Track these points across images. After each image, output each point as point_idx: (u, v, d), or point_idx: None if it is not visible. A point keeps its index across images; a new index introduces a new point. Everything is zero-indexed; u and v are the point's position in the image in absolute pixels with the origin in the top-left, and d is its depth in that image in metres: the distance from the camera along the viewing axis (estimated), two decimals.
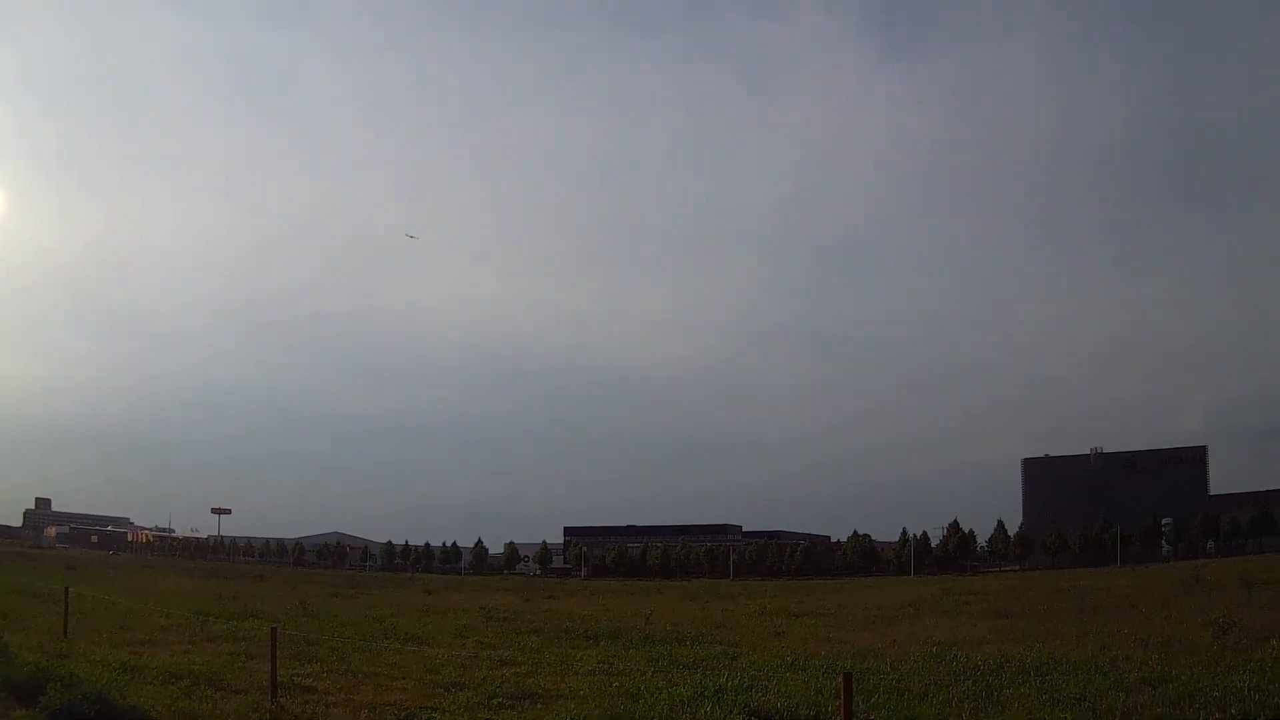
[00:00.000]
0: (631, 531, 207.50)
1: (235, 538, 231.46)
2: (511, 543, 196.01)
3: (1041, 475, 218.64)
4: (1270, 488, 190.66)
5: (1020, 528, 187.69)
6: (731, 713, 17.68)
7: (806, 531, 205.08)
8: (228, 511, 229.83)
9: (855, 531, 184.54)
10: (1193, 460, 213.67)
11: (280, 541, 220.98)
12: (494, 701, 19.36)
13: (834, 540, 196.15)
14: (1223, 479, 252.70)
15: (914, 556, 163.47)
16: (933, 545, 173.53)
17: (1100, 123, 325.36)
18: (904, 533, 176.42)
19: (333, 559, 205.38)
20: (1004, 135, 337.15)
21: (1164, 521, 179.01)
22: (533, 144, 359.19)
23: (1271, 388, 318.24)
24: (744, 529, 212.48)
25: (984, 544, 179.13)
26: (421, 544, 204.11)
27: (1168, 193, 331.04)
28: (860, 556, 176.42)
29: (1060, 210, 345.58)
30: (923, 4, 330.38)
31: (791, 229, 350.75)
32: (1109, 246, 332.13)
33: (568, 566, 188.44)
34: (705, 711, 17.92)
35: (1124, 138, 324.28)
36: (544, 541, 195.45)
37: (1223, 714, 15.42)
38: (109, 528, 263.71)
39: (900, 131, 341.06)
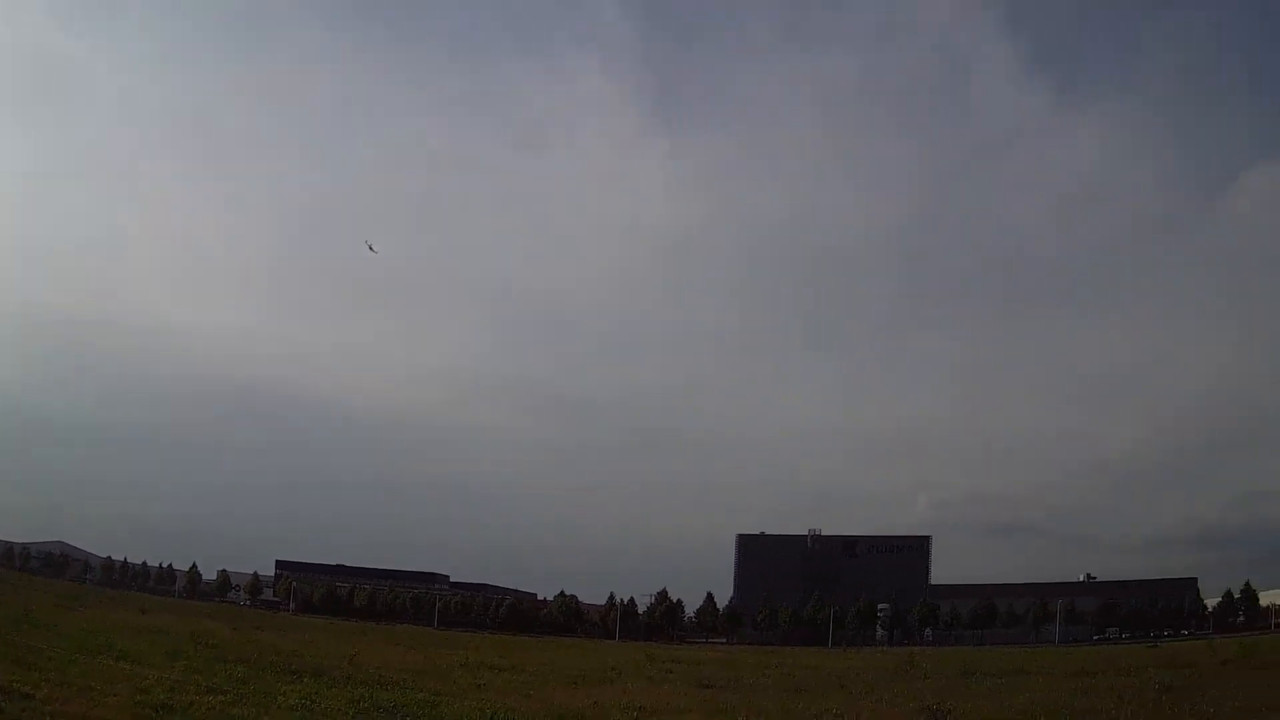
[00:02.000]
0: (341, 571, 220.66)
1: None
2: (224, 570, 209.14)
3: (756, 551, 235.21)
4: (990, 580, 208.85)
5: (730, 601, 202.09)
6: None
7: (513, 587, 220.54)
8: None
9: (562, 591, 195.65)
10: (915, 549, 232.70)
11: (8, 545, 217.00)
12: None
13: (540, 598, 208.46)
14: (944, 569, 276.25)
15: (619, 621, 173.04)
16: (639, 611, 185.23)
17: (865, 219, 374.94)
18: (611, 596, 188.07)
19: (55, 568, 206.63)
20: (753, 222, 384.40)
21: (880, 607, 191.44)
22: (283, 176, 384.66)
23: (996, 483, 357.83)
24: (452, 579, 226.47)
25: (692, 615, 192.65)
26: (139, 562, 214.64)
27: (910, 291, 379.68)
28: (566, 616, 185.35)
29: (803, 297, 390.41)
30: (700, 79, 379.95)
31: (529, 287, 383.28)
32: (854, 338, 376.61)
33: (277, 600, 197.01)
34: None
35: (877, 235, 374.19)
36: (255, 572, 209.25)
37: None
38: None
39: (650, 204, 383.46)
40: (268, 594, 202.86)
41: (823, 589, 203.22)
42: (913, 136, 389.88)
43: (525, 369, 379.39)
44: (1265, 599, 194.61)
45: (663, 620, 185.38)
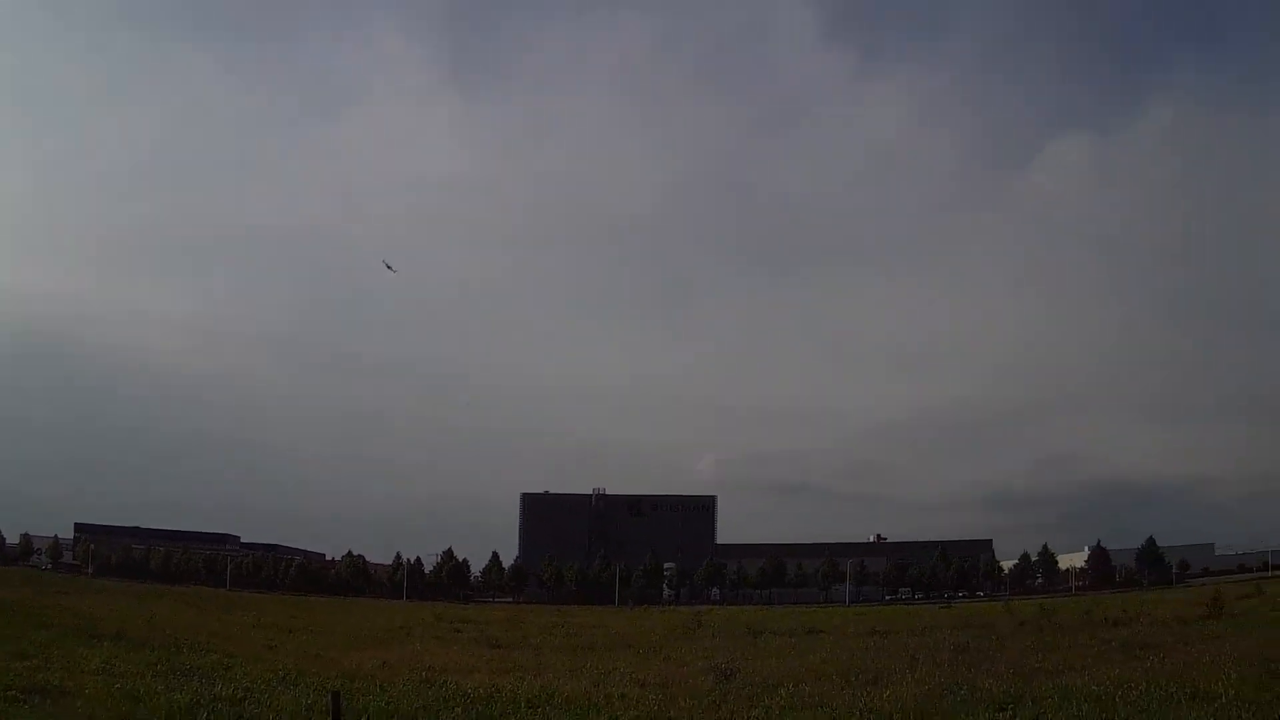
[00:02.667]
0: (138, 533, 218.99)
1: None
2: (26, 534, 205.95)
3: (541, 510, 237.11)
4: (779, 540, 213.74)
5: (516, 560, 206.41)
6: None
7: (303, 548, 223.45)
8: None
9: (350, 551, 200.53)
10: (701, 508, 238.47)
11: None
12: (9, 694, 21.60)
13: (329, 558, 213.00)
14: (731, 529, 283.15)
15: (407, 580, 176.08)
16: (426, 571, 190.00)
17: (658, 180, 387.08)
18: (398, 556, 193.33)
19: None
20: (543, 180, 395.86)
21: (666, 566, 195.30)
22: (87, 138, 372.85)
23: (783, 443, 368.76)
24: (243, 540, 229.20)
25: (479, 574, 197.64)
26: None
27: (700, 251, 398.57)
28: (354, 576, 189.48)
29: (600, 260, 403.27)
30: (499, 39, 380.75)
31: (321, 246, 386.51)
32: (642, 297, 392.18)
33: (77, 563, 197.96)
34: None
35: (669, 196, 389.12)
36: (55, 536, 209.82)
37: None
38: None
39: (443, 162, 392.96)
40: (68, 557, 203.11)
41: (609, 548, 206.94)
42: (709, 100, 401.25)
43: (314, 328, 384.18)
44: (1064, 561, 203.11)
45: (449, 579, 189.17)
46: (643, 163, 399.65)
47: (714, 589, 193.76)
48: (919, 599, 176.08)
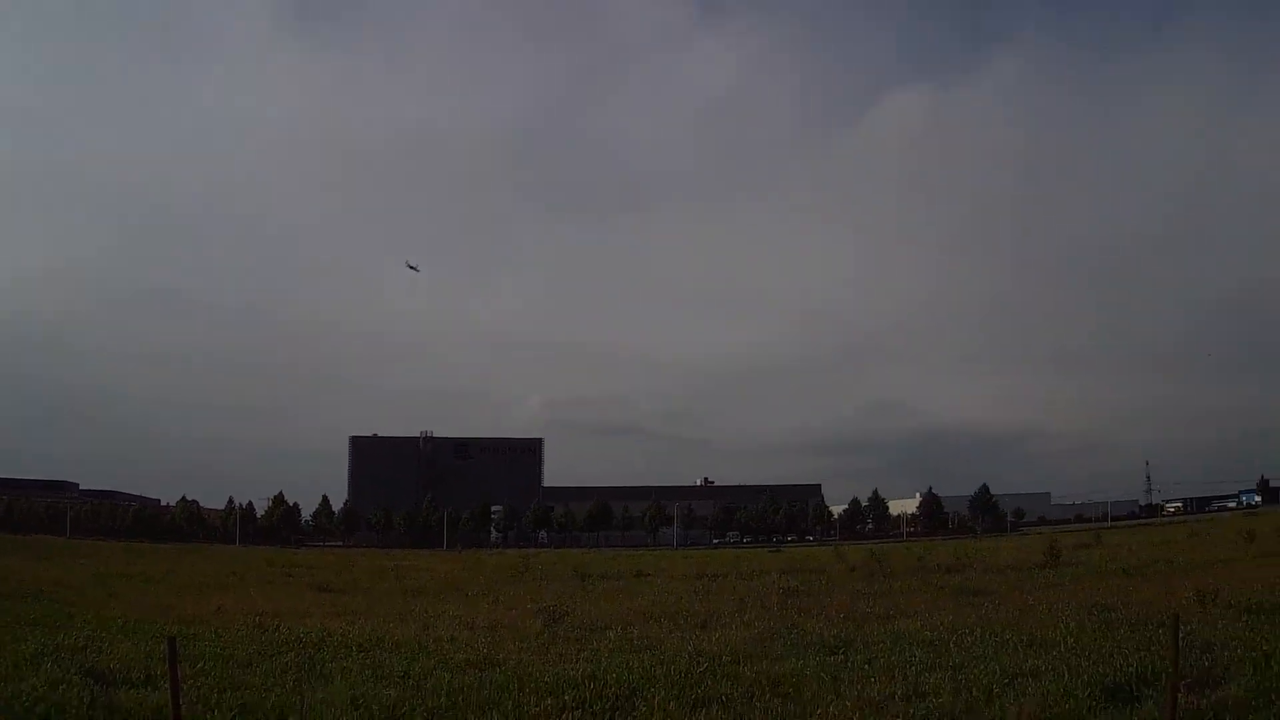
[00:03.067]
0: None
1: None
2: None
3: (369, 454, 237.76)
4: (606, 483, 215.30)
5: (346, 504, 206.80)
6: (69, 673, 19.62)
7: (139, 494, 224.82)
8: None
9: (184, 496, 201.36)
10: (528, 450, 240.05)
11: None
12: None
13: (164, 504, 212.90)
14: (559, 471, 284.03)
15: (239, 526, 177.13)
16: (258, 516, 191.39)
17: (488, 126, 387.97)
18: (230, 501, 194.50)
19: None
20: (382, 125, 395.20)
21: (494, 509, 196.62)
22: None
23: (611, 386, 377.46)
24: (81, 487, 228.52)
25: (309, 518, 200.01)
26: None
27: (528, 195, 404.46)
28: (188, 521, 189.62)
29: (429, 204, 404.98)
30: None
31: (157, 191, 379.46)
32: (469, 239, 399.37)
33: None
34: (46, 669, 20.14)
35: (496, 139, 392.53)
36: None
37: (555, 700, 16.72)
38: None
39: (273, 103, 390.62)
40: None
41: (437, 491, 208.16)
42: (540, 44, 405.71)
43: (148, 273, 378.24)
44: (896, 508, 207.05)
45: (281, 524, 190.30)
46: (473, 109, 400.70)
47: (541, 532, 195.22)
48: (747, 543, 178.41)
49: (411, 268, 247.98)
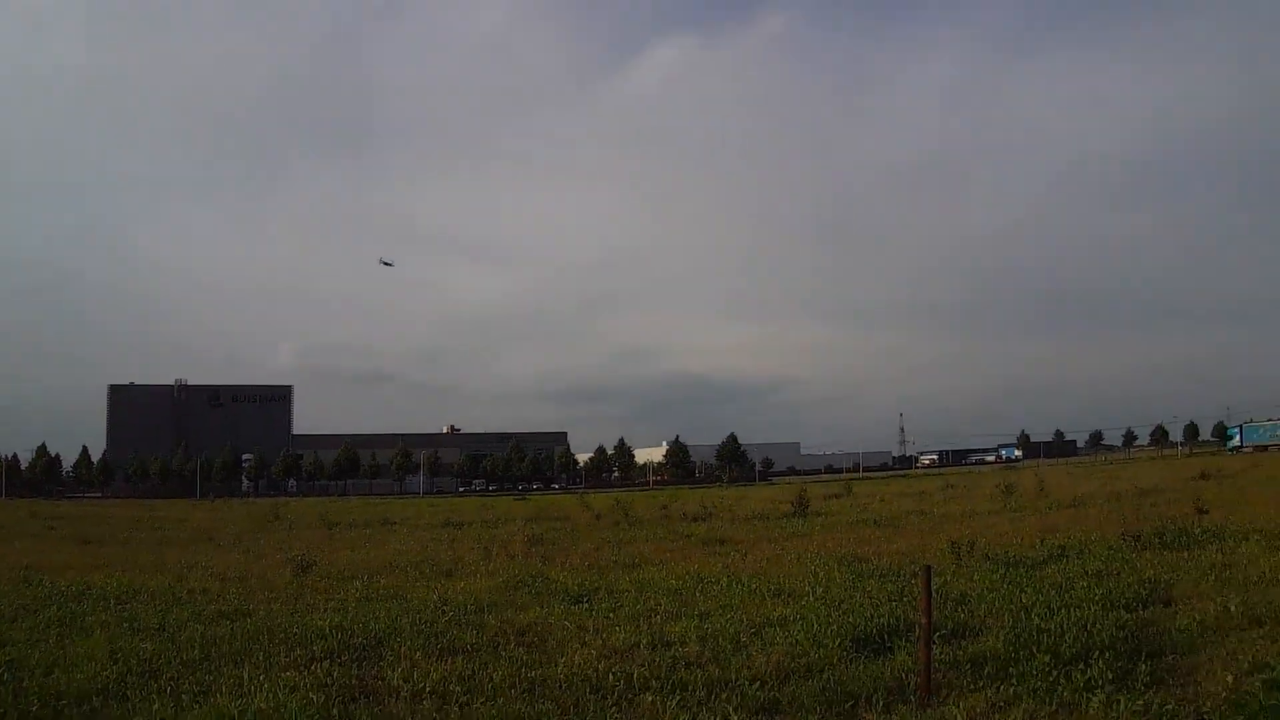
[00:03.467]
0: None
1: None
2: None
3: (126, 403, 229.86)
4: (354, 431, 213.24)
5: (104, 455, 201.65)
6: None
7: None
8: None
9: None
10: (278, 398, 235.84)
11: None
12: None
13: None
14: (309, 419, 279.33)
15: (5, 478, 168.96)
16: (22, 468, 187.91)
17: (262, 71, 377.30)
18: None
19: None
20: (155, 71, 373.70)
21: (245, 457, 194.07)
22: None
23: (356, 333, 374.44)
24: None
25: (70, 469, 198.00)
26: None
27: (302, 144, 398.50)
28: None
29: (196, 147, 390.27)
30: None
31: None
32: (233, 189, 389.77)
33: None
34: None
35: (264, 84, 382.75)
36: None
37: (304, 650, 16.09)
38: None
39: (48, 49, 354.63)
40: None
41: (190, 440, 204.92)
42: None
43: None
44: (642, 456, 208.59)
45: (44, 476, 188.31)
46: (246, 52, 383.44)
47: (291, 480, 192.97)
48: (493, 491, 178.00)
49: (385, 264, 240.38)
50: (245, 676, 14.17)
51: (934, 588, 13.41)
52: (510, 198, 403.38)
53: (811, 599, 19.26)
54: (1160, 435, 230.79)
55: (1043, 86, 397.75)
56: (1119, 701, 11.03)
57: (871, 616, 15.98)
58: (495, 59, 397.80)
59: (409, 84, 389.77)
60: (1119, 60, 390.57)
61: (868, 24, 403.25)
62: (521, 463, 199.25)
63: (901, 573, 22.43)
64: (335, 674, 14.25)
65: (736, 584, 22.44)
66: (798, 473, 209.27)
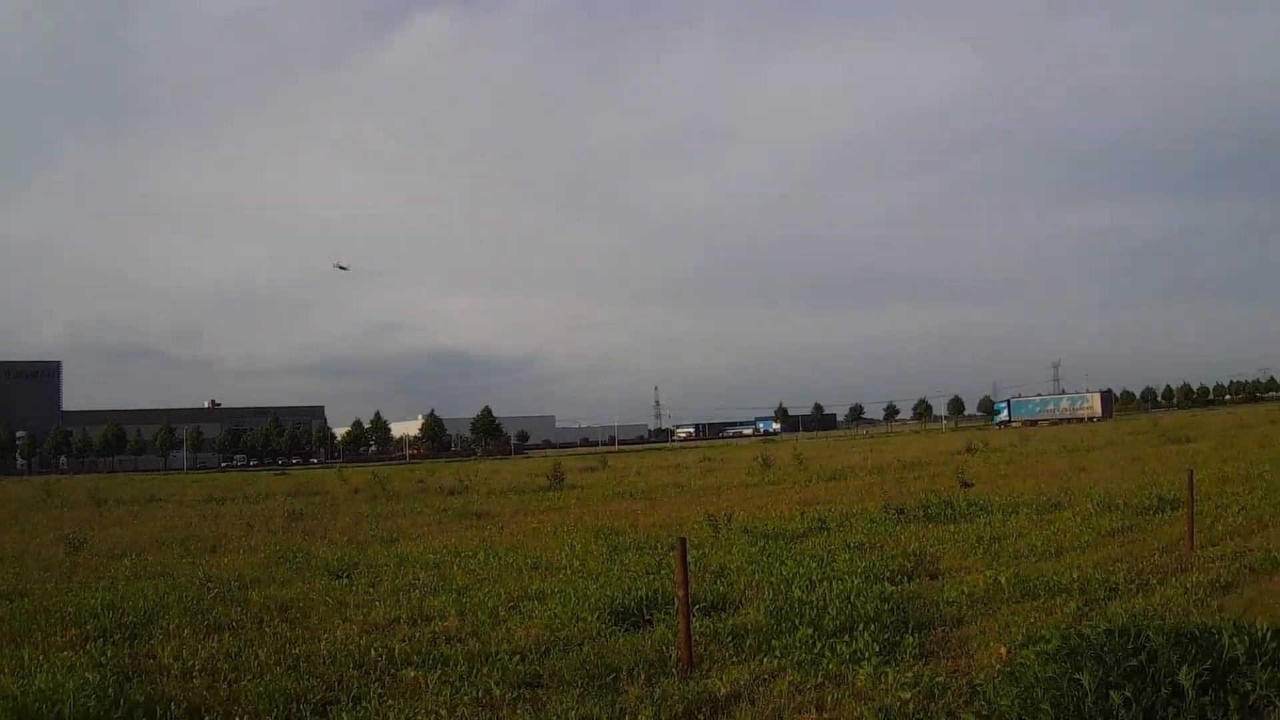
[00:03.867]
0: None
1: None
2: None
3: None
4: (121, 406, 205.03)
5: None
6: None
7: None
8: None
9: None
10: (46, 374, 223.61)
11: None
12: None
13: None
14: (79, 395, 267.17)
15: None
16: None
17: (30, 36, 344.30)
18: None
19: None
20: None
21: (18, 435, 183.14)
22: None
23: (120, 307, 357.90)
24: None
25: None
26: None
27: (75, 112, 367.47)
28: None
29: None
30: None
31: None
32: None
33: None
34: None
35: (49, 52, 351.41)
36: None
37: (79, 629, 15.39)
38: None
39: None
40: None
41: None
42: None
43: None
44: (398, 430, 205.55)
45: None
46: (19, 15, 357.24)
47: (62, 457, 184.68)
48: (255, 466, 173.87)
49: (341, 268, 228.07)
50: (25, 657, 13.31)
51: (692, 561, 13.08)
52: (265, 170, 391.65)
53: (569, 572, 18.57)
54: (924, 410, 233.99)
55: (796, 69, 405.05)
56: (886, 674, 10.41)
57: (630, 589, 15.14)
58: (255, 26, 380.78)
59: (165, 54, 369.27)
60: (865, 47, 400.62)
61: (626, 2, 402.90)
62: (281, 437, 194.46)
63: (659, 545, 21.72)
64: (109, 653, 13.46)
65: (494, 557, 21.62)
66: (553, 446, 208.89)
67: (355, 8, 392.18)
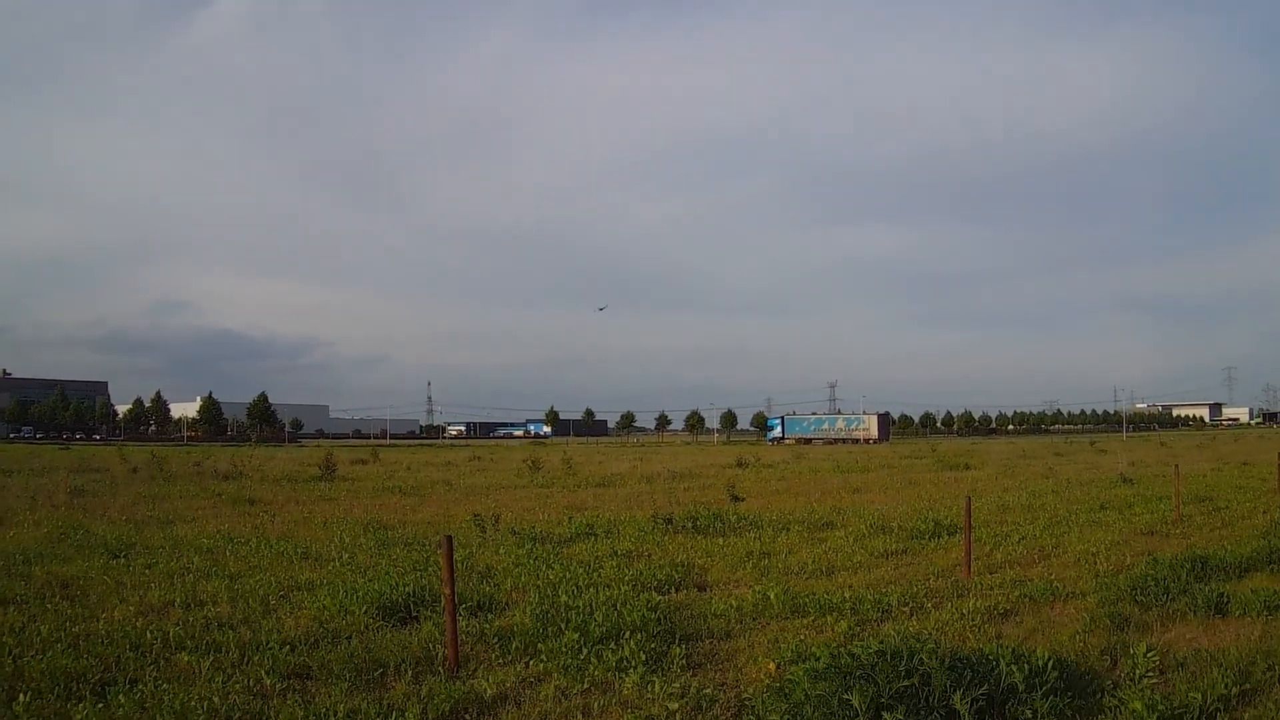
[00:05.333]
0: None
1: None
2: None
3: None
4: None
5: None
6: None
7: None
8: None
9: None
10: None
11: None
12: None
13: None
14: None
15: None
16: None
17: None
18: None
19: None
20: None
21: None
22: None
23: None
24: None
25: None
26: None
27: None
28: None
29: None
30: None
31: None
32: None
33: None
34: None
35: None
36: None
37: None
38: None
39: None
40: None
41: None
42: None
43: None
44: (177, 410, 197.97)
45: None
46: None
47: None
48: (40, 439, 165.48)
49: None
50: None
51: (459, 560, 12.65)
52: (61, 138, 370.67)
53: (338, 564, 17.77)
54: (696, 421, 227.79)
55: (590, 73, 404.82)
56: (654, 683, 9.94)
57: (397, 585, 14.41)
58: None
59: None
60: (665, 58, 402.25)
61: None
62: (66, 412, 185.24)
63: (427, 542, 20.85)
64: None
65: (266, 545, 20.53)
66: (327, 436, 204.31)
67: None
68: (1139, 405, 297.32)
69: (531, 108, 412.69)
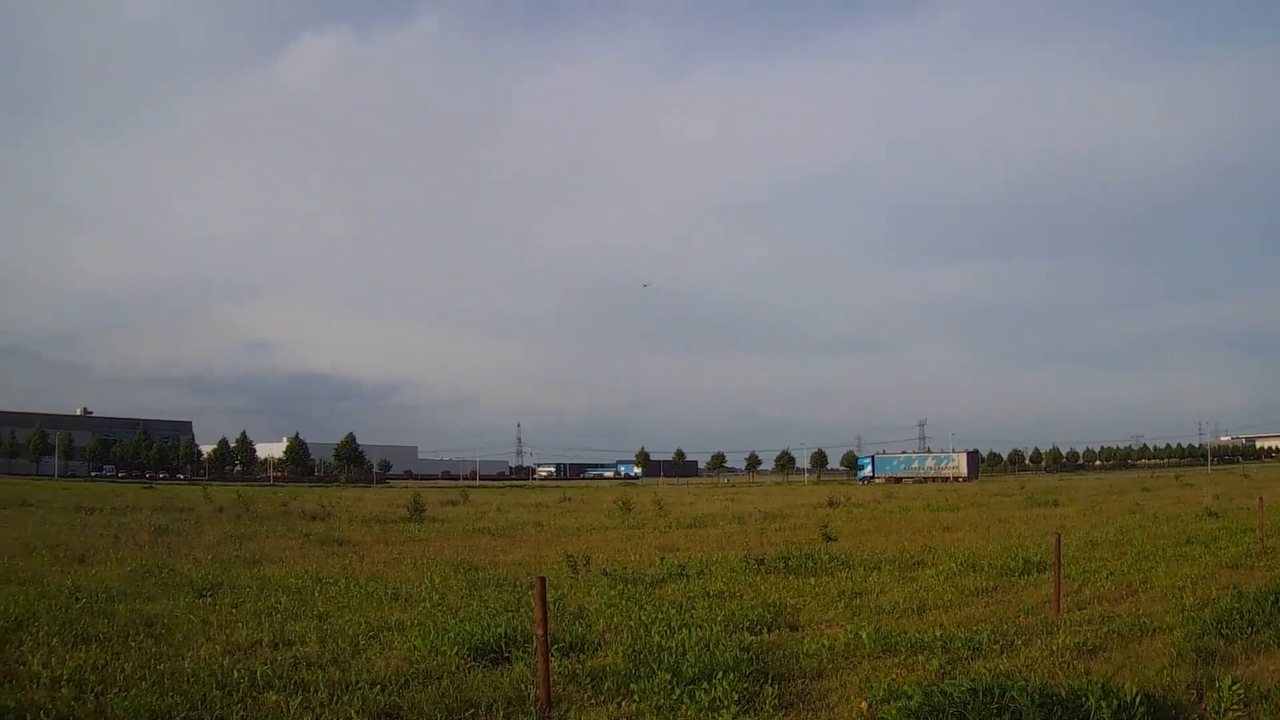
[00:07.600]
0: None
1: None
2: None
3: None
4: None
5: None
6: None
7: None
8: None
9: None
10: None
11: None
12: None
13: None
14: None
15: None
16: None
17: None
18: None
19: None
20: None
21: None
22: None
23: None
24: None
25: None
26: None
27: None
28: None
29: None
30: None
31: None
32: None
33: None
34: None
35: None
36: None
37: None
38: None
39: None
40: None
41: None
42: None
43: None
44: (263, 451, 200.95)
45: None
46: None
47: None
48: (122, 477, 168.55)
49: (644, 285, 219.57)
50: None
51: (551, 601, 12.89)
52: (148, 178, 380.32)
53: (429, 605, 18.05)
54: (786, 461, 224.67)
55: (684, 121, 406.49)
56: None
57: (489, 626, 14.60)
58: (150, 40, 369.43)
59: (73, 51, 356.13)
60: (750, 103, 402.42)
61: (518, 33, 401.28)
62: (149, 451, 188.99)
63: (518, 583, 21.13)
64: None
65: (355, 585, 20.97)
66: (415, 477, 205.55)
67: (247, 27, 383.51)
68: (1223, 438, 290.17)
69: (623, 152, 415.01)
